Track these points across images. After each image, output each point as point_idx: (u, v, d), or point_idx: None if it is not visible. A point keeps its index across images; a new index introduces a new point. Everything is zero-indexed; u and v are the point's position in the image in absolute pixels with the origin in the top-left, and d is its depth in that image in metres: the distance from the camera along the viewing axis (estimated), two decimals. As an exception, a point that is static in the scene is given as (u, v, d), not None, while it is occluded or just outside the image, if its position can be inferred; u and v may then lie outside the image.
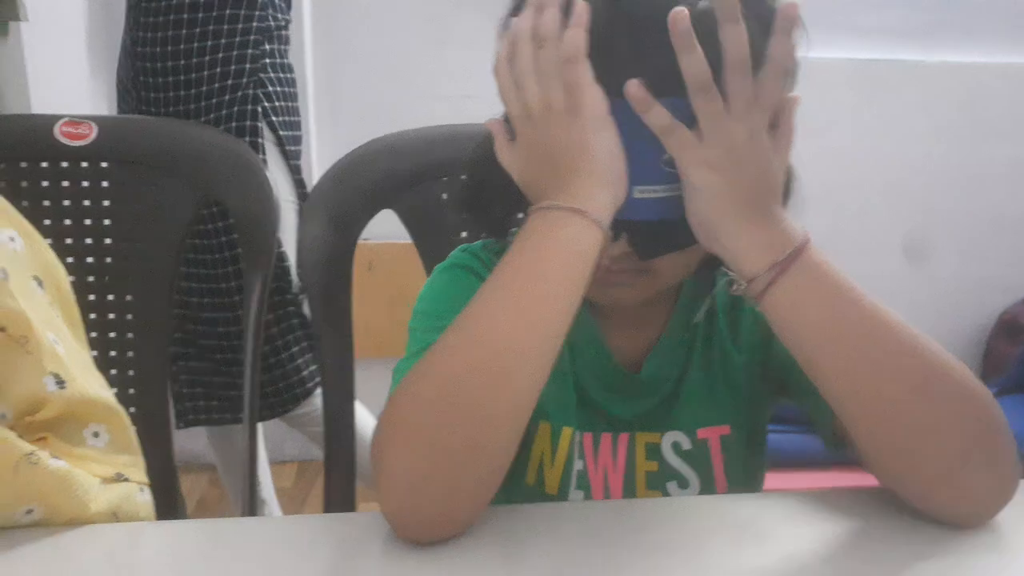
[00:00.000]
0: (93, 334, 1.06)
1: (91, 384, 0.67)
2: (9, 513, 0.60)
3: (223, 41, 1.52)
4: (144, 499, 0.69)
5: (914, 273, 2.43)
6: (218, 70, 1.51)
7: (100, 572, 0.58)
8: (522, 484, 0.76)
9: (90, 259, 1.09)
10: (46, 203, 1.08)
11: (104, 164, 1.10)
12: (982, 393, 0.60)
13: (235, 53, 1.52)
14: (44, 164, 1.09)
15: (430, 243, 0.97)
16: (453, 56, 2.15)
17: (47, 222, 1.09)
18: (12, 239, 0.68)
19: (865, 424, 0.61)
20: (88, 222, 1.10)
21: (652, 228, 0.63)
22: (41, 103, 1.54)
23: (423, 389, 0.60)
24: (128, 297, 1.09)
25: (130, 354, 1.08)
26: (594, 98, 0.61)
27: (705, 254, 0.66)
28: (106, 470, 0.66)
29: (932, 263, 2.47)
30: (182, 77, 1.51)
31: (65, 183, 1.10)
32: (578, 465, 0.75)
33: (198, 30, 1.51)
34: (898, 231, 2.44)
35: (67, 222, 1.09)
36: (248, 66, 1.53)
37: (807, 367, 0.62)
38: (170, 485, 1.10)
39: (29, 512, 0.61)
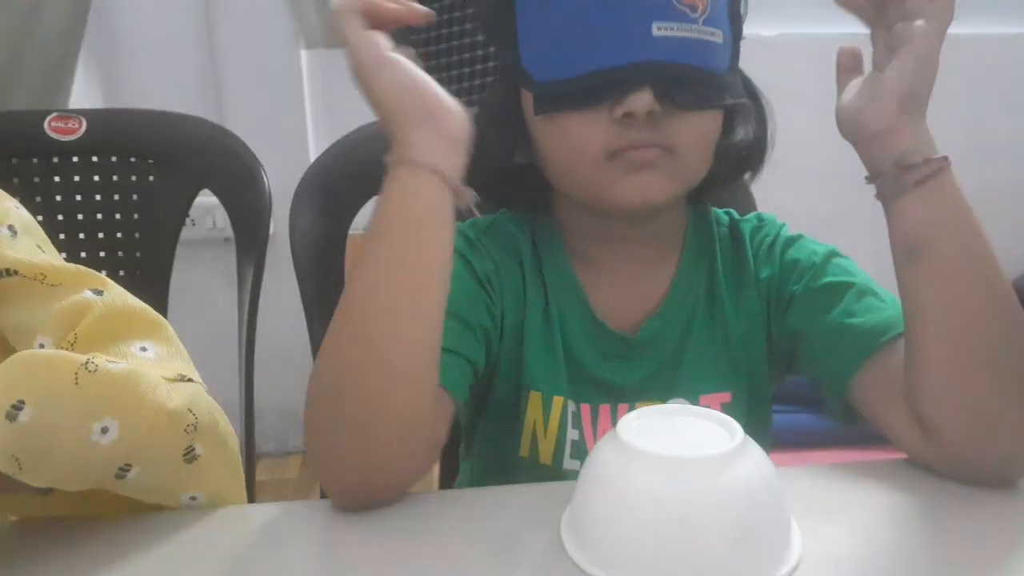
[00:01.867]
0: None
1: (128, 295, 0.65)
2: (83, 435, 0.54)
3: None
4: (214, 401, 0.64)
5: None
6: None
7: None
8: (516, 456, 0.76)
9: (84, 254, 1.09)
10: (38, 199, 1.08)
11: (95, 158, 1.09)
12: None
13: None
14: (35, 160, 1.08)
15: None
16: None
17: (39, 218, 1.06)
18: (17, 207, 0.69)
19: (952, 362, 0.61)
20: (80, 217, 1.10)
21: (676, 73, 0.64)
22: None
23: (318, 366, 0.61)
24: (122, 291, 1.08)
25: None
26: (366, 46, 0.61)
27: (719, 147, 0.69)
28: (166, 372, 0.61)
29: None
30: None
31: (56, 178, 1.09)
32: (573, 435, 0.75)
33: None
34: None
35: (60, 217, 1.09)
36: None
37: (922, 277, 0.62)
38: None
39: (104, 431, 0.54)
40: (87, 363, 0.54)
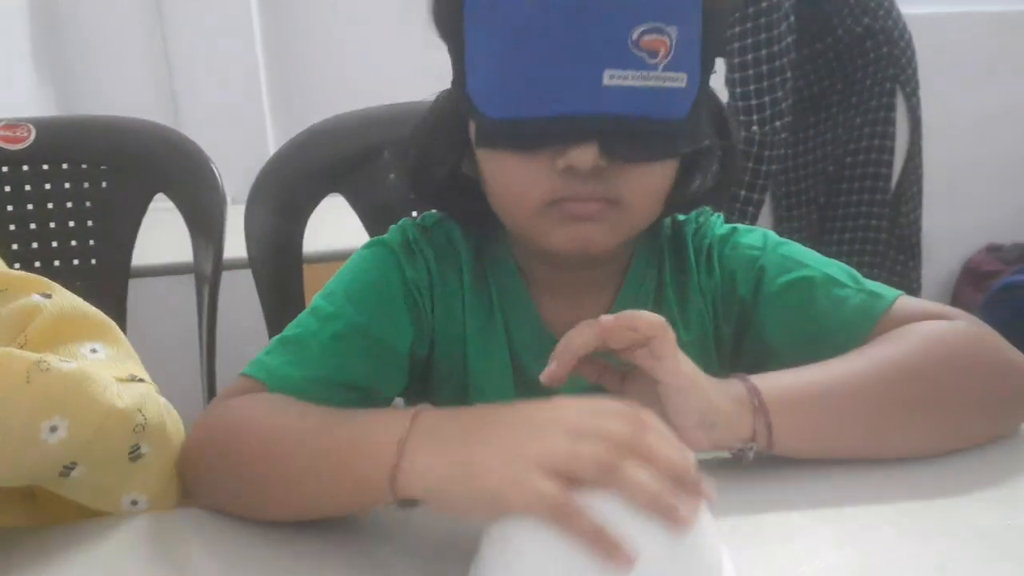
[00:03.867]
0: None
1: (77, 298, 0.65)
2: (32, 433, 0.54)
3: None
4: (165, 401, 0.64)
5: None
6: None
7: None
8: None
9: (38, 263, 1.08)
10: (-12, 209, 1.06)
11: (45, 166, 1.08)
12: (991, 354, 0.64)
13: None
14: (-17, 170, 1.07)
15: (380, 227, 0.96)
16: (409, 36, 2.13)
17: None
18: None
19: (909, 454, 0.63)
20: (33, 226, 1.08)
21: (626, 127, 0.59)
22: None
23: (243, 443, 0.60)
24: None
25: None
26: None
27: (672, 194, 0.66)
28: (118, 372, 0.60)
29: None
30: None
31: (7, 188, 1.08)
32: None
33: None
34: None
35: (11, 227, 1.07)
36: None
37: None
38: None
39: (53, 430, 0.54)
40: (39, 362, 0.55)
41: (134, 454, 0.60)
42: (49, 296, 0.63)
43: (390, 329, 0.69)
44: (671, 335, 0.57)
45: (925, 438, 0.62)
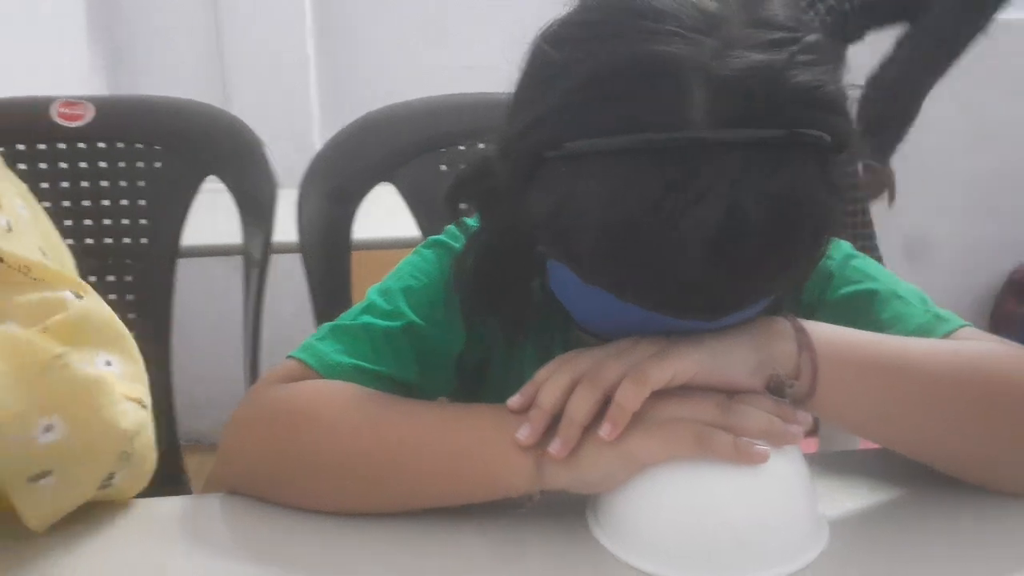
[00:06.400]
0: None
1: (106, 305, 0.63)
2: (26, 426, 0.52)
3: None
4: (152, 435, 0.63)
5: (924, 231, 2.40)
6: None
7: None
8: None
9: (90, 240, 1.09)
10: (44, 185, 1.07)
11: (101, 144, 1.09)
12: None
13: None
14: (41, 146, 1.08)
15: (430, 218, 0.96)
16: (455, 26, 2.13)
17: (46, 204, 1.06)
18: (23, 206, 0.67)
19: (945, 464, 0.61)
20: (87, 203, 1.09)
21: None
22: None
23: (305, 430, 0.60)
24: (128, 278, 1.08)
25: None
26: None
27: None
28: (128, 391, 0.59)
29: (941, 221, 2.44)
30: None
31: (63, 164, 1.09)
32: None
33: None
34: (907, 189, 2.41)
35: (66, 204, 1.09)
36: None
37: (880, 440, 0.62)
38: (174, 462, 1.11)
39: (48, 429, 0.53)
40: (61, 355, 0.54)
41: (106, 482, 0.59)
42: (81, 297, 0.61)
43: (443, 333, 0.69)
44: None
45: (985, 452, 0.60)
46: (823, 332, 0.58)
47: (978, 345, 0.62)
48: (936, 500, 0.61)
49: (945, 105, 2.35)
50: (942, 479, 0.60)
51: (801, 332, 0.57)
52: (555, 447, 0.53)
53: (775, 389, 0.56)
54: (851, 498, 0.61)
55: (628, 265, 0.50)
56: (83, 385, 0.55)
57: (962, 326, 0.65)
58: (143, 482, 0.63)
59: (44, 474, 0.54)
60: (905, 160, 2.40)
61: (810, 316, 0.69)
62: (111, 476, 0.59)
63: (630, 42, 0.49)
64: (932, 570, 0.55)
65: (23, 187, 0.71)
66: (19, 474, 0.54)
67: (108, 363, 0.59)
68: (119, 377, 0.60)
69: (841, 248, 0.71)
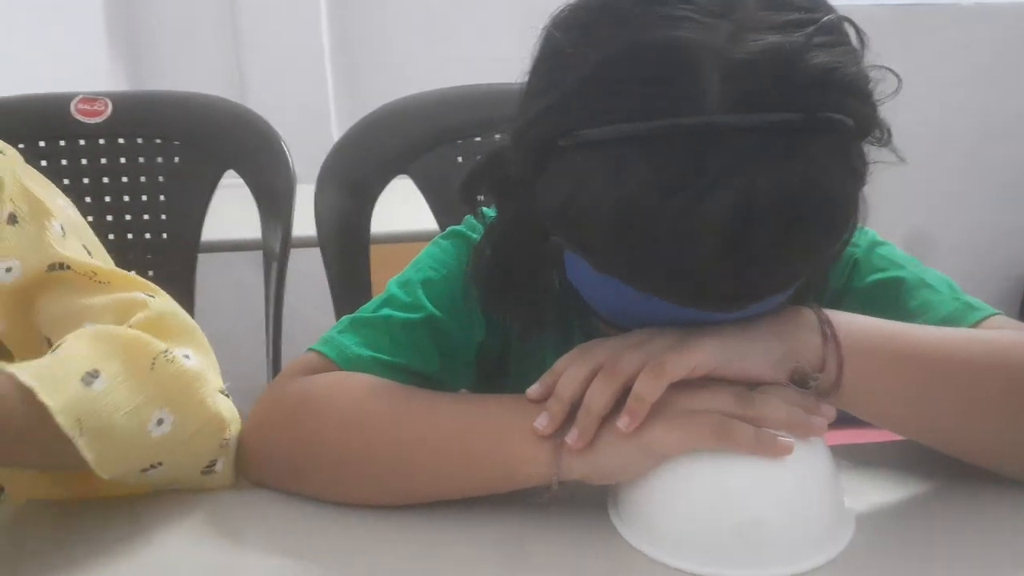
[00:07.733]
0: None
1: (174, 302, 0.66)
2: (142, 421, 0.55)
3: None
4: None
5: (952, 220, 2.37)
6: None
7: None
8: None
9: (111, 236, 1.10)
10: (65, 181, 1.08)
11: (121, 140, 1.10)
12: None
13: None
14: (62, 143, 1.09)
15: (446, 209, 0.96)
16: (470, 17, 2.12)
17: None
18: (67, 206, 0.69)
19: (976, 457, 0.59)
20: (108, 199, 1.10)
21: None
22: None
23: (326, 422, 0.60)
24: (149, 273, 1.09)
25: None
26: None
27: None
28: (217, 382, 0.62)
29: (970, 210, 2.41)
30: None
31: (84, 160, 1.10)
32: None
33: None
34: (937, 177, 2.38)
35: (87, 200, 1.10)
36: None
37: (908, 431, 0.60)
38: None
39: (160, 423, 0.56)
40: (166, 352, 0.56)
41: (209, 468, 0.61)
42: (152, 296, 0.64)
43: (463, 324, 0.68)
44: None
45: (1018, 444, 0.58)
46: (849, 323, 0.57)
47: (1011, 334, 0.60)
48: (965, 492, 0.60)
49: (978, 93, 2.33)
50: (971, 470, 0.59)
51: (827, 323, 0.56)
52: (572, 437, 0.53)
53: (799, 381, 0.55)
54: (877, 491, 0.61)
55: (642, 254, 0.49)
56: (189, 378, 0.57)
57: (993, 314, 0.63)
58: (235, 469, 0.64)
59: (155, 465, 0.57)
60: (938, 146, 2.38)
61: (835, 306, 0.68)
62: (213, 463, 0.61)
63: (642, 27, 0.48)
64: (961, 563, 0.54)
65: (54, 186, 0.71)
66: (133, 469, 0.57)
67: (187, 356, 0.60)
68: (207, 368, 0.62)
69: (867, 235, 0.70)
